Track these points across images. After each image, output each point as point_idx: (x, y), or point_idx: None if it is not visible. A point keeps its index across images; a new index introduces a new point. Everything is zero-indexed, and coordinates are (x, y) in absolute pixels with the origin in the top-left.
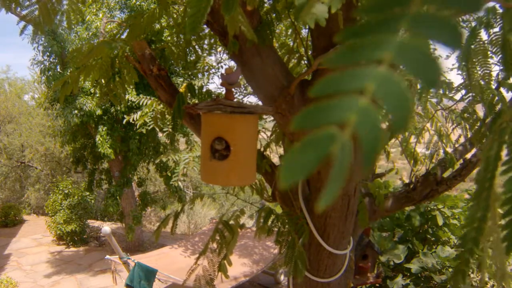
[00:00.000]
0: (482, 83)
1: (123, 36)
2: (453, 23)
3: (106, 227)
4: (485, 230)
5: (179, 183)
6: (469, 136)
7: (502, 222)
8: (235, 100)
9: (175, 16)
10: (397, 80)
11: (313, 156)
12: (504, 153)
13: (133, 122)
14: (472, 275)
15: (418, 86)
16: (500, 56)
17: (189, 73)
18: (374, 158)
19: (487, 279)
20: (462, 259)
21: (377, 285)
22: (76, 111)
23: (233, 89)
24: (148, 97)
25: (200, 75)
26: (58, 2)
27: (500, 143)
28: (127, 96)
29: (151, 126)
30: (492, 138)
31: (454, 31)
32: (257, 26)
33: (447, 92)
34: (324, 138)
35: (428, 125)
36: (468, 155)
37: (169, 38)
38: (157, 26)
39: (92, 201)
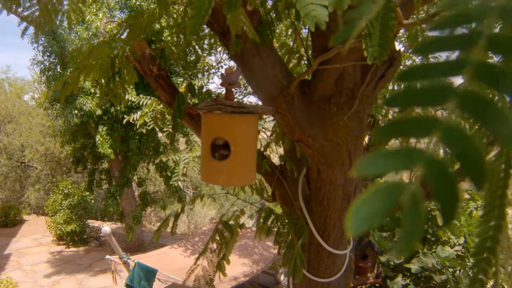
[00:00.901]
0: None
1: (123, 36)
2: (505, 110)
3: (106, 227)
4: (500, 239)
5: (179, 183)
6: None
7: None
8: (235, 100)
9: (175, 16)
10: (461, 127)
11: (381, 206)
12: None
13: (133, 122)
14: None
15: None
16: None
17: (189, 73)
18: (453, 212)
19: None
20: (479, 268)
21: (377, 285)
22: (76, 111)
23: (233, 89)
24: (148, 97)
25: (200, 75)
26: (58, 2)
27: (511, 149)
28: (127, 96)
29: (151, 126)
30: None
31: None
32: (257, 26)
33: None
34: (392, 188)
35: None
36: None
37: (169, 38)
38: (157, 26)
39: (92, 201)
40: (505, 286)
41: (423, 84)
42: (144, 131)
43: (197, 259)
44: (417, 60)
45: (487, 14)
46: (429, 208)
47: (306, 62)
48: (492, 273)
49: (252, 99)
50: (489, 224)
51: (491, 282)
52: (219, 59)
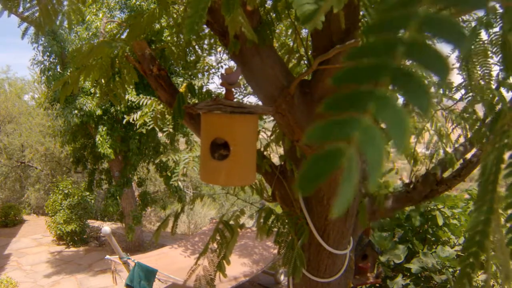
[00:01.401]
0: (482, 83)
1: (123, 36)
2: (458, 22)
3: (106, 227)
4: (490, 234)
5: (179, 183)
6: (469, 136)
7: (507, 225)
8: (235, 100)
9: (175, 16)
10: (395, 102)
11: (325, 168)
12: (506, 156)
13: (133, 122)
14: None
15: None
16: (500, 56)
17: (189, 73)
18: (378, 173)
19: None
20: (467, 263)
21: (377, 285)
22: (76, 111)
23: (233, 89)
24: (148, 97)
25: (200, 75)
26: (58, 2)
27: (502, 146)
28: (127, 96)
29: (151, 126)
30: (494, 140)
31: (459, 30)
32: (257, 26)
33: (447, 92)
34: (334, 152)
35: (428, 125)
36: (468, 155)
37: (169, 38)
38: (157, 26)
39: (92, 201)
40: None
41: (364, 63)
42: (144, 131)
43: (198, 259)
44: None
45: (410, 22)
46: (429, 208)
47: (306, 62)
48: (484, 268)
49: (252, 99)
50: (479, 219)
51: (481, 277)
52: (219, 59)
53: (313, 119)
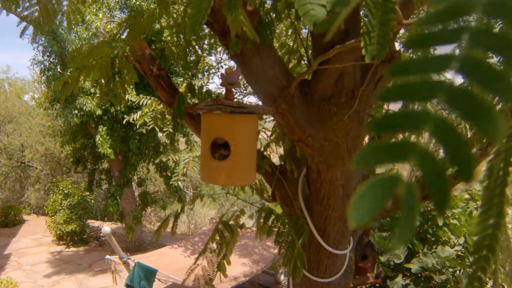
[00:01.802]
0: None
1: (123, 36)
2: (506, 73)
3: (106, 227)
4: (499, 237)
5: (179, 183)
6: (469, 136)
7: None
8: (235, 100)
9: (175, 16)
10: (453, 126)
11: (379, 197)
12: None
13: (133, 122)
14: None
15: None
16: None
17: (189, 73)
18: (445, 202)
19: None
20: (477, 266)
21: (377, 285)
22: (76, 111)
23: (233, 89)
24: (148, 97)
25: (200, 75)
26: (58, 2)
27: (509, 148)
28: (127, 96)
29: (151, 126)
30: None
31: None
32: (257, 26)
33: None
34: (390, 180)
35: None
36: None
37: (169, 38)
38: (157, 26)
39: (92, 201)
40: (505, 286)
41: (415, 79)
42: (144, 131)
43: (197, 259)
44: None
45: (473, 9)
46: (429, 208)
47: (306, 62)
48: (491, 272)
49: (252, 99)
50: (488, 223)
51: (490, 281)
52: (219, 59)
53: (313, 120)
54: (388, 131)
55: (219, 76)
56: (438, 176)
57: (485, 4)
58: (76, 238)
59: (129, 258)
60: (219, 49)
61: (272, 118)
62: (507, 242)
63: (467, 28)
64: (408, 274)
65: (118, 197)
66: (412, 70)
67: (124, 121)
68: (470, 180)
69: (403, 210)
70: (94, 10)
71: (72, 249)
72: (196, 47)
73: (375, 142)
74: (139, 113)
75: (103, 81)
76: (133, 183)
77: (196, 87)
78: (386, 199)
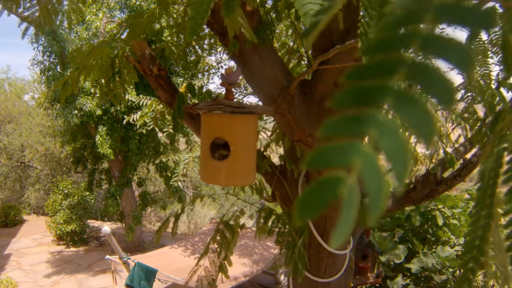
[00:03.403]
0: (482, 83)
1: (123, 36)
2: (464, 46)
3: (106, 227)
4: (489, 238)
5: (179, 183)
6: (469, 136)
7: (505, 232)
8: (235, 100)
9: (175, 16)
10: (397, 130)
11: (324, 197)
12: (505, 160)
13: (133, 122)
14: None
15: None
16: (500, 56)
17: (189, 73)
18: (380, 204)
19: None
20: (466, 267)
21: (377, 285)
22: (76, 111)
23: (233, 89)
24: (148, 97)
25: (200, 75)
26: (58, 2)
27: (501, 150)
28: (127, 96)
29: (151, 126)
30: (493, 144)
31: (464, 54)
32: (257, 26)
33: None
34: (333, 181)
35: None
36: (468, 155)
37: (169, 38)
38: (157, 26)
39: (92, 201)
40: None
41: (362, 85)
42: (144, 131)
43: (199, 259)
44: None
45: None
46: (429, 208)
47: (306, 62)
48: (482, 273)
49: (252, 99)
50: (478, 224)
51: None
52: (219, 59)
53: (313, 120)
54: (353, 103)
55: (219, 76)
56: (398, 146)
57: (436, 9)
58: (76, 238)
59: (129, 258)
60: (219, 49)
61: (272, 118)
62: (500, 243)
63: (419, 32)
64: (408, 274)
65: (118, 197)
66: (364, 75)
67: (124, 121)
68: (430, 143)
69: (343, 210)
70: (94, 10)
71: (72, 249)
72: (196, 47)
73: (336, 117)
74: (139, 113)
75: (103, 81)
76: (133, 183)
77: (196, 87)
78: (330, 198)
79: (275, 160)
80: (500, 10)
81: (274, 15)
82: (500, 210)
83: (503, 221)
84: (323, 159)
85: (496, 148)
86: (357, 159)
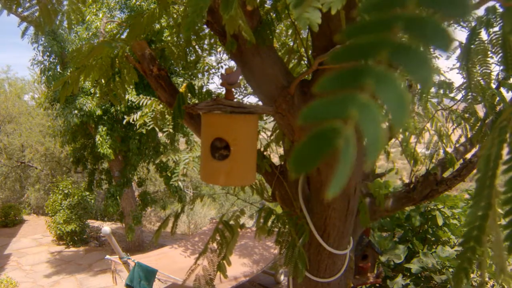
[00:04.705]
0: (482, 83)
1: (123, 36)
2: (446, 27)
3: (106, 227)
4: (487, 229)
5: (179, 183)
6: (469, 136)
7: (503, 221)
8: (235, 100)
9: (175, 16)
10: (395, 78)
11: (319, 148)
12: (505, 151)
13: (133, 122)
14: (472, 275)
15: (418, 86)
16: (500, 55)
17: (189, 73)
18: (377, 151)
19: (487, 278)
20: (464, 257)
21: (377, 285)
22: (76, 111)
23: (233, 89)
24: (148, 97)
25: (200, 75)
26: (58, 2)
27: (501, 141)
28: (127, 96)
29: (151, 126)
30: (492, 136)
31: (446, 35)
32: (257, 26)
33: (447, 92)
34: (329, 132)
35: (428, 125)
36: (468, 155)
37: (169, 38)
38: (157, 26)
39: (92, 201)
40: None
41: (359, 40)
42: (144, 131)
43: (197, 259)
44: None
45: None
46: (429, 208)
47: (306, 62)
48: (479, 264)
49: (252, 99)
50: (477, 214)
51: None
52: (219, 59)
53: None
54: (348, 60)
55: (219, 76)
56: (376, 129)
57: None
58: (76, 238)
59: (129, 258)
60: (219, 49)
61: (272, 118)
62: (497, 236)
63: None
64: (408, 274)
65: (118, 197)
66: (362, 32)
67: (124, 121)
68: (401, 125)
69: (340, 160)
70: (94, 10)
71: (72, 249)
72: (196, 47)
73: (332, 72)
74: (139, 113)
75: (103, 81)
76: (133, 183)
77: (196, 87)
78: (326, 150)
79: (275, 160)
80: (500, 10)
81: (274, 15)
82: (498, 201)
83: (501, 212)
84: (319, 112)
85: (496, 140)
86: (354, 109)
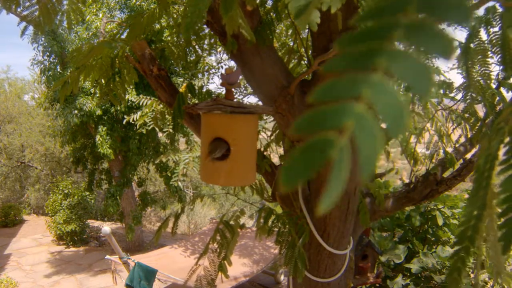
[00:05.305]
0: (482, 82)
1: (123, 36)
2: (446, 33)
3: (106, 227)
4: (482, 229)
5: (179, 183)
6: (469, 136)
7: (499, 222)
8: (235, 100)
9: (175, 16)
10: (392, 88)
11: (312, 160)
12: (501, 152)
13: (133, 122)
14: (472, 275)
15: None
16: (500, 55)
17: (189, 73)
18: (373, 163)
19: (487, 279)
20: (458, 257)
21: (377, 285)
22: (76, 111)
23: (233, 89)
24: (148, 97)
25: (200, 75)
26: (58, 2)
27: (498, 142)
28: (127, 96)
29: (151, 126)
30: (490, 136)
31: (448, 43)
32: (257, 26)
33: (447, 92)
34: (323, 143)
35: (428, 125)
36: (468, 155)
37: (169, 38)
38: (157, 26)
39: (92, 201)
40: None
41: (355, 48)
42: (144, 131)
43: (198, 259)
44: None
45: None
46: (429, 208)
47: (306, 62)
48: (473, 264)
49: (252, 99)
50: (472, 214)
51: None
52: (219, 59)
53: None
54: (343, 69)
55: (219, 76)
56: (373, 140)
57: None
58: (76, 238)
59: (129, 258)
60: (219, 49)
61: (272, 118)
62: (494, 236)
63: (400, 22)
64: (408, 274)
65: (118, 197)
66: (359, 40)
67: (124, 121)
68: (398, 135)
69: (333, 173)
70: (94, 10)
71: (72, 249)
72: (196, 47)
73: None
74: (139, 113)
75: (103, 81)
76: (133, 183)
77: (196, 87)
78: (320, 162)
79: (275, 160)
80: (500, 10)
81: (274, 15)
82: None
83: (498, 211)
84: (314, 122)
85: (493, 140)
86: (350, 120)
